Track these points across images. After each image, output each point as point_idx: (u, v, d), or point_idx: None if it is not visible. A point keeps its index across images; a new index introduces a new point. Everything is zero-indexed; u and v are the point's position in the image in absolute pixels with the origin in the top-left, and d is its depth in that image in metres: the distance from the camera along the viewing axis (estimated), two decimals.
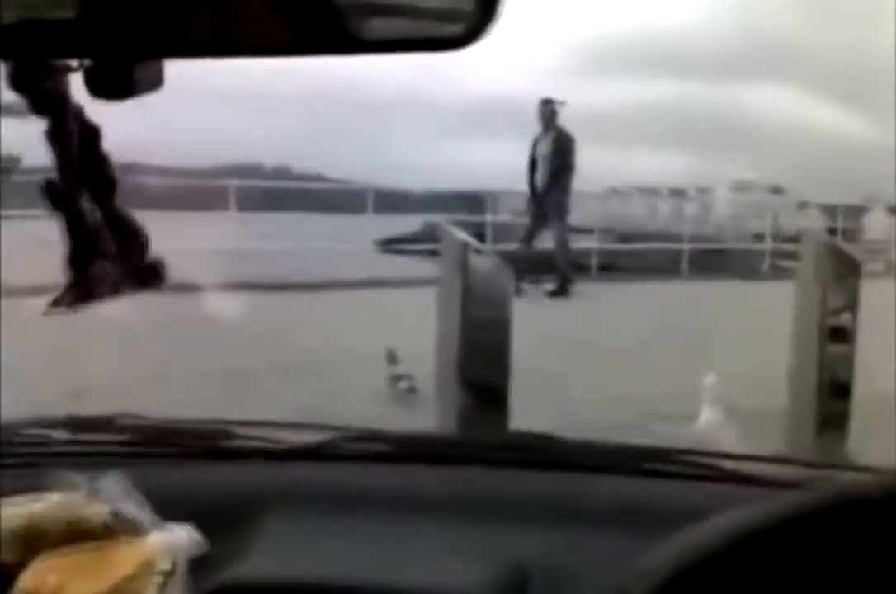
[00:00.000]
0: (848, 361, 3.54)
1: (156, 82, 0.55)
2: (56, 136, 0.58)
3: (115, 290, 0.64)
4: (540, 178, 9.52)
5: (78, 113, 0.58)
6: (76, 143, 0.59)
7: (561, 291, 9.40)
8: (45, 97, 0.57)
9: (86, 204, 0.62)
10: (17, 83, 0.55)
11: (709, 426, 3.42)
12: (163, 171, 11.04)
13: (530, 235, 9.63)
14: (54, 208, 0.61)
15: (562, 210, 9.64)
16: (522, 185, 9.78)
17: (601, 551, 0.86)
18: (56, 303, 0.64)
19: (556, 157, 9.37)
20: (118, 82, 0.53)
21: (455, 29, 0.42)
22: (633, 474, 1.07)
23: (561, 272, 9.55)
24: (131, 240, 0.64)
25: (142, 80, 0.54)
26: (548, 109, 9.41)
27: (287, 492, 1.03)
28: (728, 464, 1.10)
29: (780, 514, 0.54)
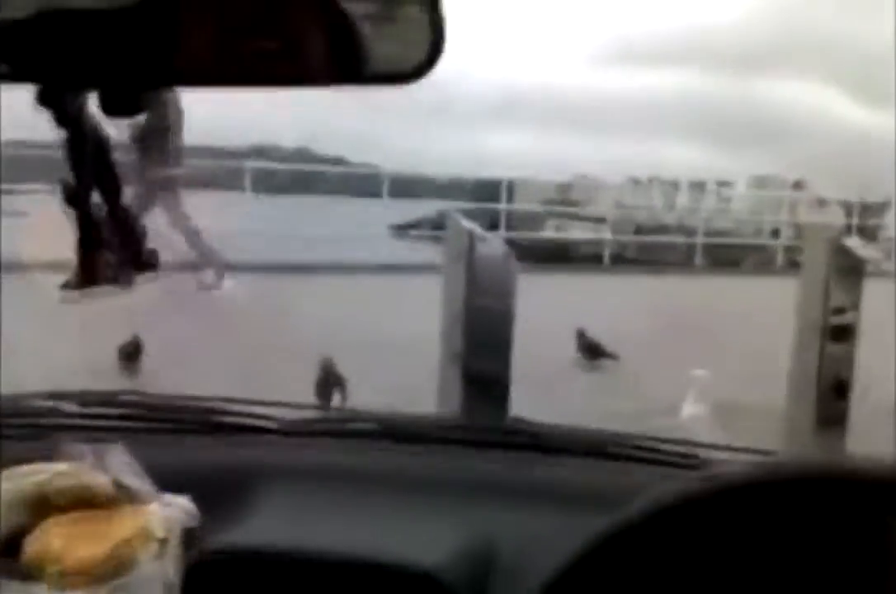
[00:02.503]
0: (849, 361, 3.56)
1: (157, 99, 0.63)
2: (73, 146, 0.68)
3: (115, 275, 0.74)
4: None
5: (94, 126, 0.66)
6: (90, 152, 0.68)
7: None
8: (65, 113, 0.65)
9: (94, 202, 0.73)
10: (43, 101, 0.63)
11: (691, 419, 3.45)
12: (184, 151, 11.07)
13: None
14: (68, 206, 0.72)
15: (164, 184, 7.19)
16: (543, 174, 9.43)
17: (568, 531, 0.92)
18: (66, 286, 0.76)
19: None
20: (127, 103, 0.62)
21: (406, 65, 0.50)
22: (609, 458, 1.13)
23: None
24: (131, 233, 0.76)
25: (147, 99, 0.63)
26: None
27: (279, 467, 1.09)
28: (701, 453, 1.16)
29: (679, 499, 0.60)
